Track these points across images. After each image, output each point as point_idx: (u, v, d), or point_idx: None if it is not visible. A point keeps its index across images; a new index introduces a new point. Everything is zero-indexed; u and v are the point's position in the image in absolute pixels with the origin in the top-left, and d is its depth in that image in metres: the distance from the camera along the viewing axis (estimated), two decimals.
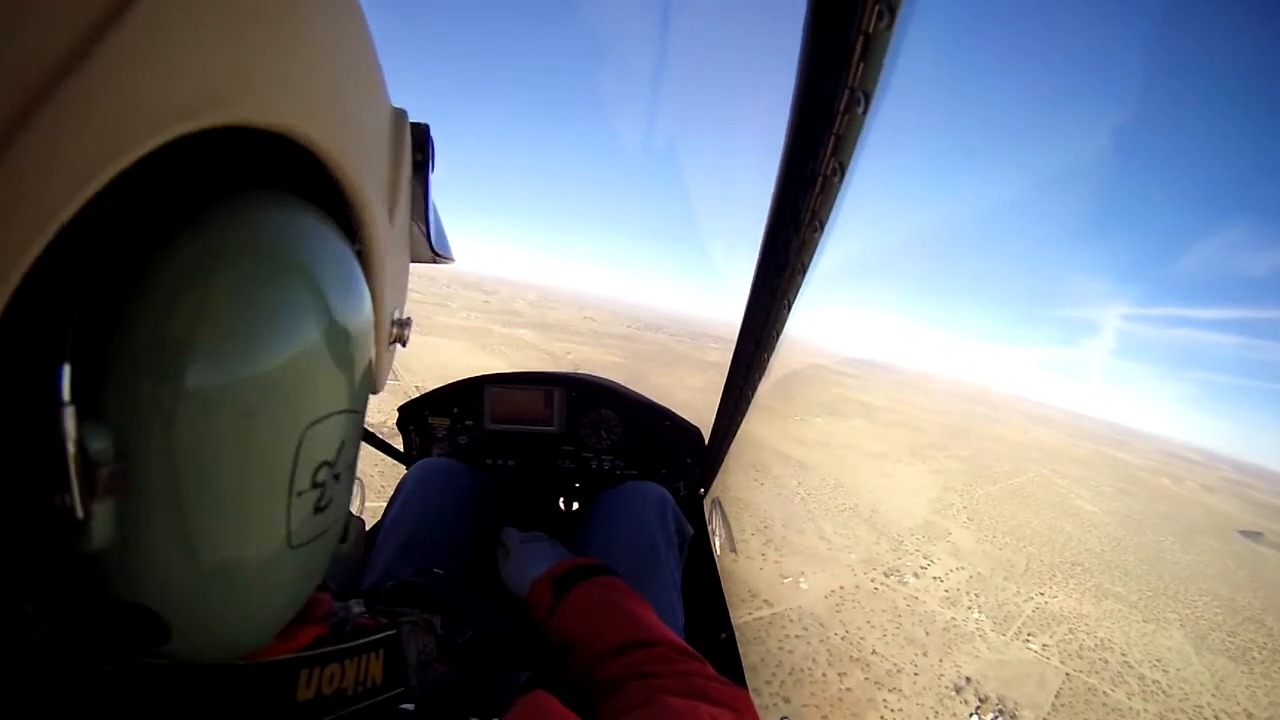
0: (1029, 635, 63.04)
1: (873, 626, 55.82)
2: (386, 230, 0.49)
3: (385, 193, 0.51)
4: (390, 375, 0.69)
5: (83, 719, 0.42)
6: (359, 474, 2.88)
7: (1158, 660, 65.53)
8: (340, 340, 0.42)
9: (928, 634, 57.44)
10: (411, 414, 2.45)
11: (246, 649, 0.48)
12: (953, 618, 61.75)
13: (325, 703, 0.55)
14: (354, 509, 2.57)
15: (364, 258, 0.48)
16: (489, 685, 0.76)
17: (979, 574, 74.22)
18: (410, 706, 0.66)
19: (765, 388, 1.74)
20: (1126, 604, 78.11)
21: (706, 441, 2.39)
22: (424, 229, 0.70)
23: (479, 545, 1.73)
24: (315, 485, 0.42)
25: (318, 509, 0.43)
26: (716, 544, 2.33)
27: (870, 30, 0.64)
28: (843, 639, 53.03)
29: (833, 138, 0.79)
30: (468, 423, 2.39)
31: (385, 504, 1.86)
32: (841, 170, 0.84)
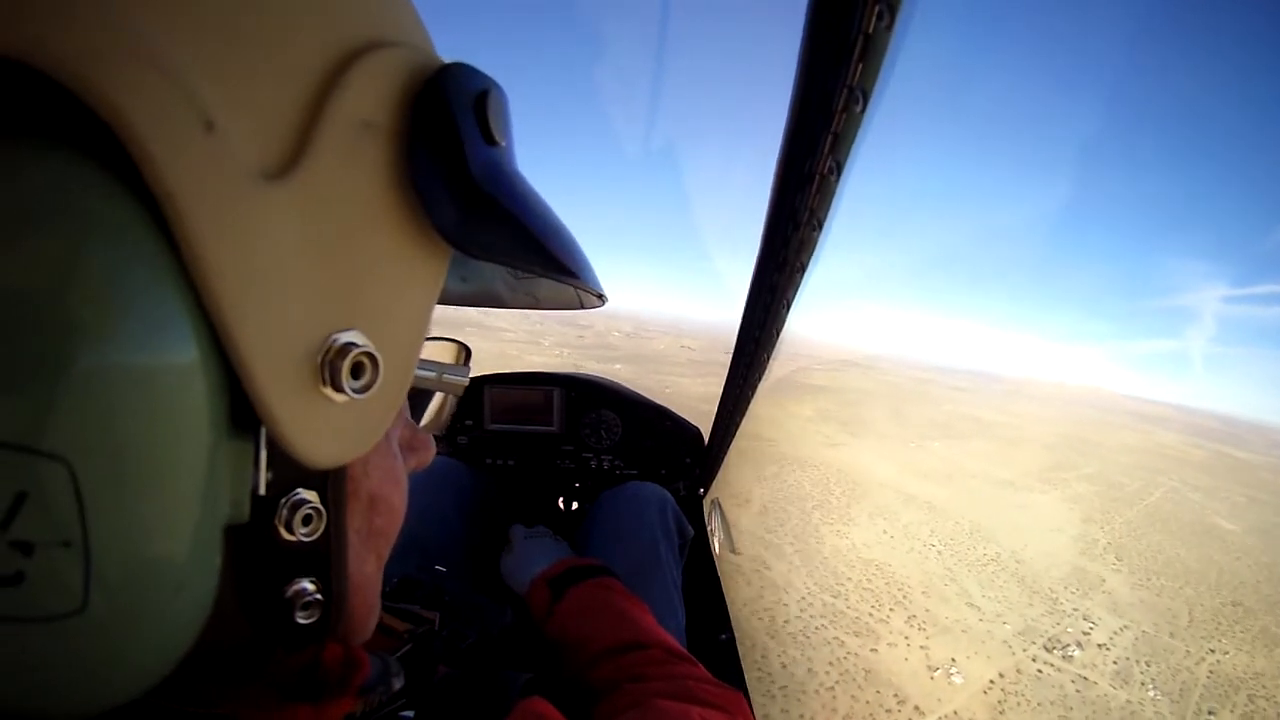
0: (1210, 713, 54.72)
1: None
2: (238, 185, 0.31)
3: (265, 139, 0.33)
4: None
5: None
6: None
7: None
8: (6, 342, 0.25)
9: None
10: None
11: None
12: (1127, 700, 53.44)
13: None
14: None
15: (173, 223, 0.28)
16: (488, 688, 0.74)
17: (1144, 633, 64.78)
18: (410, 714, 0.61)
19: (765, 387, 1.79)
20: None
21: (706, 442, 2.41)
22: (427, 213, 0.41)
23: (479, 545, 1.75)
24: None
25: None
26: (716, 544, 2.37)
27: (870, 30, 0.64)
28: None
29: (831, 136, 0.78)
30: (467, 423, 2.42)
31: None
32: (839, 169, 0.83)
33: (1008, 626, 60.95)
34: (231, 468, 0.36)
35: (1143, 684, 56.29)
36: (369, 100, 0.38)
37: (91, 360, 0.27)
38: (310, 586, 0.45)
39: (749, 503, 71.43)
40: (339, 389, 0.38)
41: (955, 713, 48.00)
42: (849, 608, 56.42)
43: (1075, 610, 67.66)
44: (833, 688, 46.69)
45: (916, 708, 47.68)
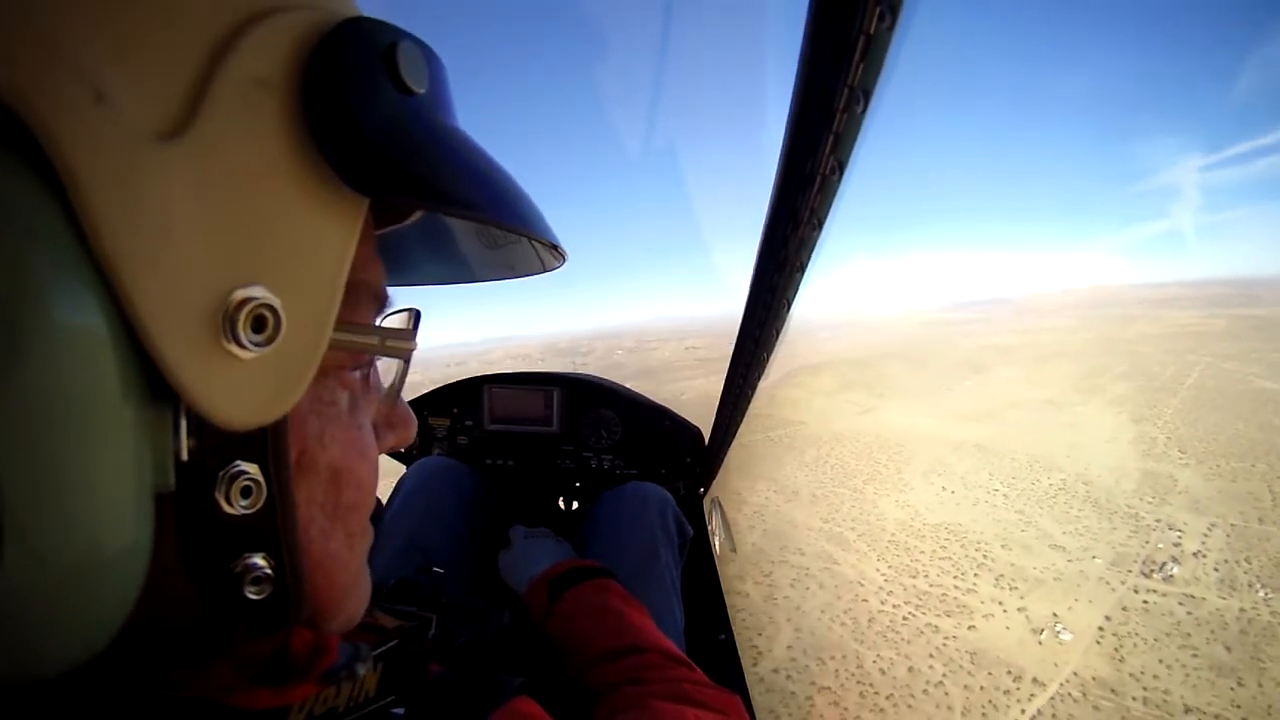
0: None
1: (1171, 668, 44.35)
2: (131, 148, 0.32)
3: (154, 103, 0.34)
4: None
5: None
6: None
7: None
8: None
9: (1230, 650, 46.58)
10: None
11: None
12: (1240, 608, 49.84)
13: None
14: None
15: (68, 188, 0.29)
16: (481, 689, 0.74)
17: (1233, 526, 61.27)
18: (400, 712, 0.61)
19: (765, 385, 1.78)
20: None
21: (707, 441, 2.41)
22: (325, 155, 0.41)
23: (479, 545, 1.77)
24: None
25: None
26: (716, 544, 2.41)
27: (872, 31, 0.64)
28: (1160, 708, 42.36)
29: (832, 136, 0.78)
30: (467, 423, 2.46)
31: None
32: (840, 169, 0.84)
33: (1098, 561, 57.29)
34: (151, 435, 0.36)
35: (1250, 585, 52.73)
36: (262, 59, 0.38)
37: (2, 332, 0.28)
38: (260, 561, 0.44)
39: (797, 494, 67.73)
40: (240, 344, 0.38)
41: (1075, 674, 44.14)
42: (932, 585, 52.80)
43: (1158, 521, 64.05)
44: (940, 681, 43.03)
45: (1034, 680, 43.80)
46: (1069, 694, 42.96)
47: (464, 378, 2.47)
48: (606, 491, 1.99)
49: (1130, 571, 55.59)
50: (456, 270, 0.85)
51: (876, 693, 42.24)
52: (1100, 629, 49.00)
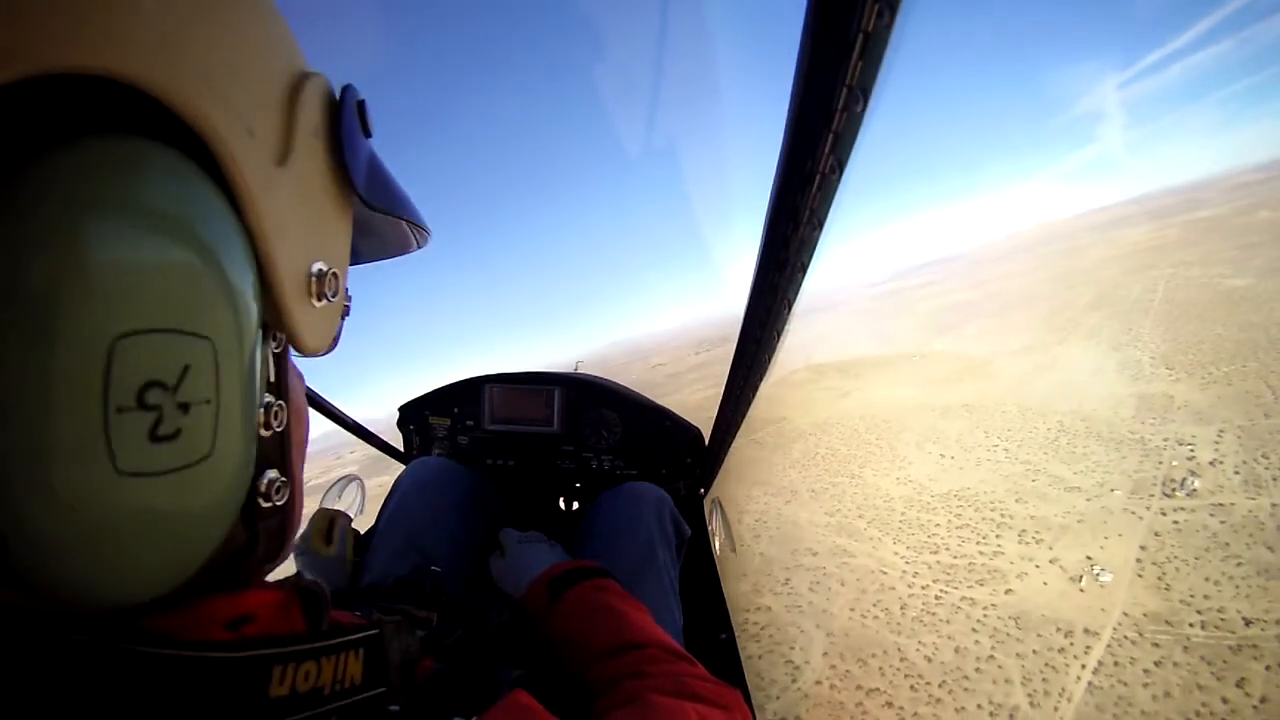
0: None
1: (1219, 584, 42.15)
2: (266, 171, 0.51)
3: (272, 140, 0.53)
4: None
5: (30, 710, 0.41)
6: (355, 473, 2.60)
7: None
8: (166, 256, 0.41)
9: (1273, 549, 43.89)
10: (412, 414, 2.58)
11: (115, 596, 0.44)
12: (1272, 504, 47.99)
13: (300, 700, 0.55)
14: (352, 509, 2.42)
15: (236, 195, 0.48)
16: (478, 683, 0.78)
17: (1241, 428, 60.12)
18: (396, 707, 0.66)
19: (766, 388, 1.80)
20: None
21: (707, 442, 2.41)
22: (351, 183, 0.66)
23: (477, 545, 1.80)
24: (145, 406, 0.40)
25: (155, 437, 0.41)
26: (717, 544, 2.37)
27: (870, 28, 0.65)
28: (1220, 628, 39.38)
29: (831, 135, 0.79)
30: (468, 423, 2.49)
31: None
32: (840, 168, 0.85)
33: (1117, 493, 55.47)
34: (265, 362, 0.56)
35: (1275, 480, 51.04)
36: (313, 115, 0.59)
37: (215, 272, 0.45)
38: (275, 474, 0.59)
39: (796, 493, 65.72)
40: (321, 298, 0.60)
41: (1125, 615, 41.78)
42: (956, 557, 50.32)
43: (1166, 440, 62.56)
44: (991, 655, 40.34)
45: (1086, 630, 41.40)
46: (1125, 637, 40.52)
47: (464, 378, 2.51)
48: (604, 492, 1.99)
49: (1152, 496, 53.84)
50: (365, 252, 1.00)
51: (928, 683, 39.53)
52: (1138, 561, 46.82)
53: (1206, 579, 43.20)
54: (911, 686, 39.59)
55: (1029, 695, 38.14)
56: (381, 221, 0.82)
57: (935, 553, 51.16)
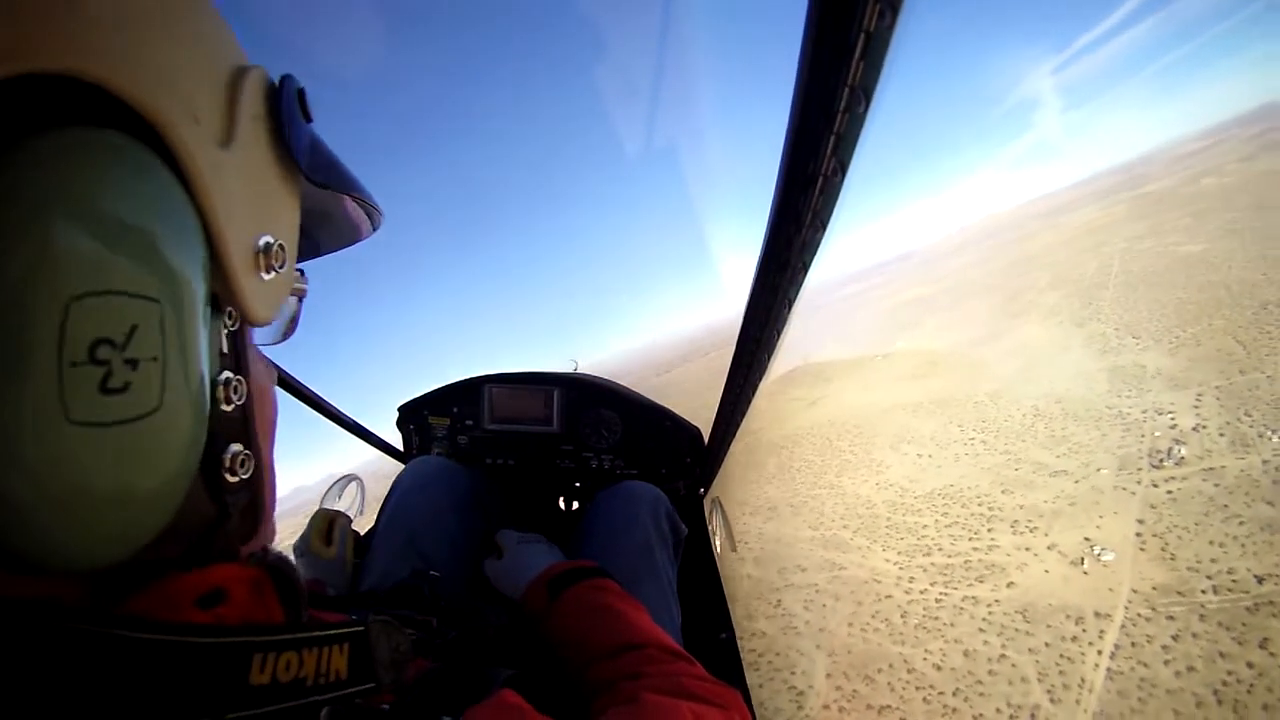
0: None
1: (1224, 545, 40.43)
2: (211, 153, 0.54)
3: (216, 125, 0.57)
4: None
5: (4, 696, 0.42)
6: (356, 473, 2.67)
7: None
8: (118, 225, 0.44)
9: (1273, 504, 42.30)
10: (411, 413, 2.60)
11: (76, 557, 0.45)
12: (1264, 461, 46.51)
13: (281, 690, 0.56)
14: (351, 509, 2.52)
15: (185, 175, 0.51)
16: (469, 682, 0.79)
17: (1218, 388, 59.46)
18: (386, 705, 0.67)
19: (766, 385, 1.79)
20: None
21: (706, 441, 2.41)
22: (295, 162, 0.70)
23: (476, 546, 1.80)
24: (96, 361, 0.42)
25: (106, 389, 0.43)
26: (717, 544, 2.38)
27: (872, 29, 0.65)
28: (1233, 590, 37.61)
29: (833, 137, 0.79)
30: (468, 422, 2.50)
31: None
32: (842, 169, 0.86)
33: (1104, 471, 53.88)
34: (214, 334, 0.58)
35: (1261, 435, 50.09)
36: (253, 102, 0.62)
37: (164, 240, 0.48)
38: (239, 448, 0.61)
39: (775, 510, 63.12)
40: (270, 270, 0.62)
41: (1135, 592, 39.78)
42: (950, 557, 48.17)
43: (1145, 411, 61.47)
44: (1002, 654, 37.90)
45: (1096, 614, 39.26)
46: (1137, 615, 38.51)
47: (464, 378, 2.51)
48: (602, 492, 2.00)
49: (1140, 469, 52.38)
50: (317, 244, 1.04)
51: (941, 692, 37.12)
52: (1138, 535, 45.09)
53: (1211, 543, 41.53)
54: (924, 699, 37.04)
55: (1048, 691, 35.83)
56: (334, 206, 0.85)
57: (928, 555, 48.86)
